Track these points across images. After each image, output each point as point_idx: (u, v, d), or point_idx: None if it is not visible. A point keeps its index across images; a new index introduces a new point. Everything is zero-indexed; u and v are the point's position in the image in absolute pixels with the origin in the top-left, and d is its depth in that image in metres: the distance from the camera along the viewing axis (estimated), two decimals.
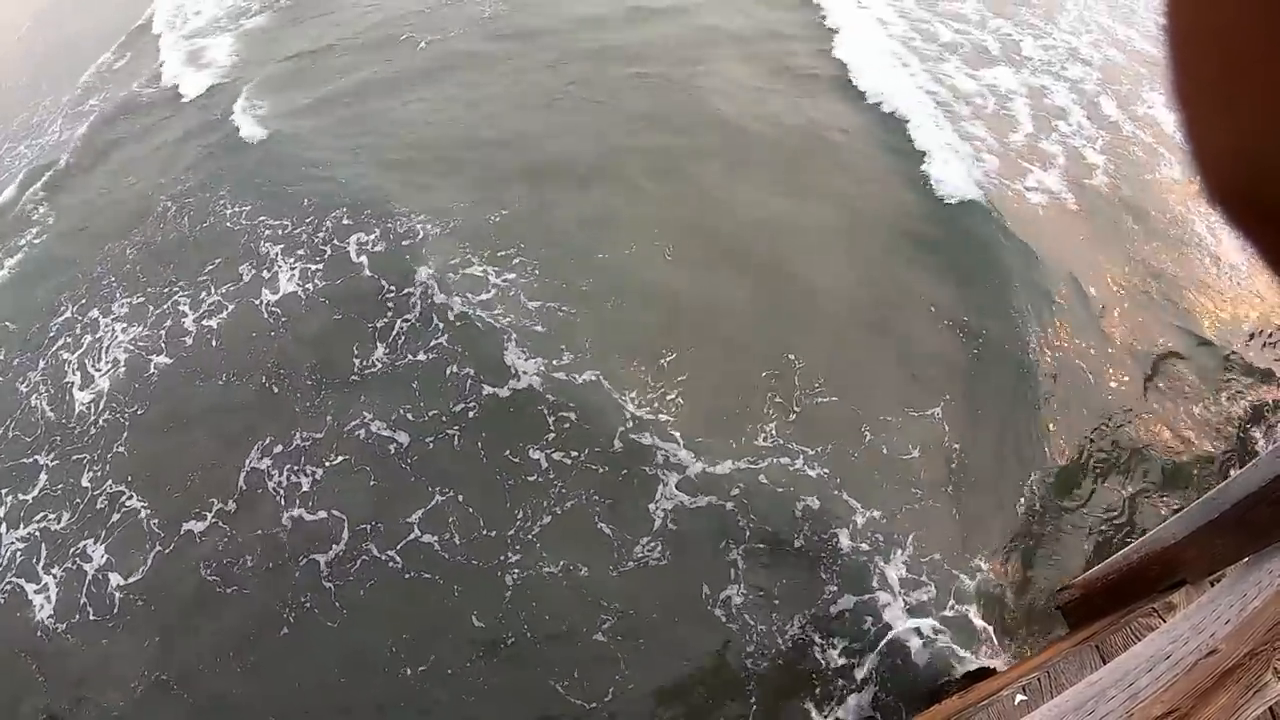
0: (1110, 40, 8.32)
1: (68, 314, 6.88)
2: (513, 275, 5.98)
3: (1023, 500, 4.56)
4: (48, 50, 12.95)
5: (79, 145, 9.40)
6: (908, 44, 8.19)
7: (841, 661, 3.99)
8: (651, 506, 4.56)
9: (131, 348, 6.27)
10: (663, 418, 4.95)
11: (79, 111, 10.40)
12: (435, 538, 4.63)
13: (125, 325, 6.50)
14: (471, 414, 5.15)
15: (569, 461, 4.80)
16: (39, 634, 4.82)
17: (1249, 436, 4.81)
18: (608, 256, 6.07)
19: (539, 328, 5.57)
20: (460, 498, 4.77)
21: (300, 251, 6.57)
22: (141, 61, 11.09)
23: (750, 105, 7.44)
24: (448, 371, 5.41)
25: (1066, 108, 7.31)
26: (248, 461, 5.24)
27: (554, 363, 5.27)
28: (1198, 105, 0.30)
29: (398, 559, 4.59)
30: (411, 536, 4.65)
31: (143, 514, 5.17)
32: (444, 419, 5.17)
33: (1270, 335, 5.35)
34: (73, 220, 8.21)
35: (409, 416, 5.21)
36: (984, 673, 3.81)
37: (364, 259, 6.32)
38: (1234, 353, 5.24)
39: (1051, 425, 4.90)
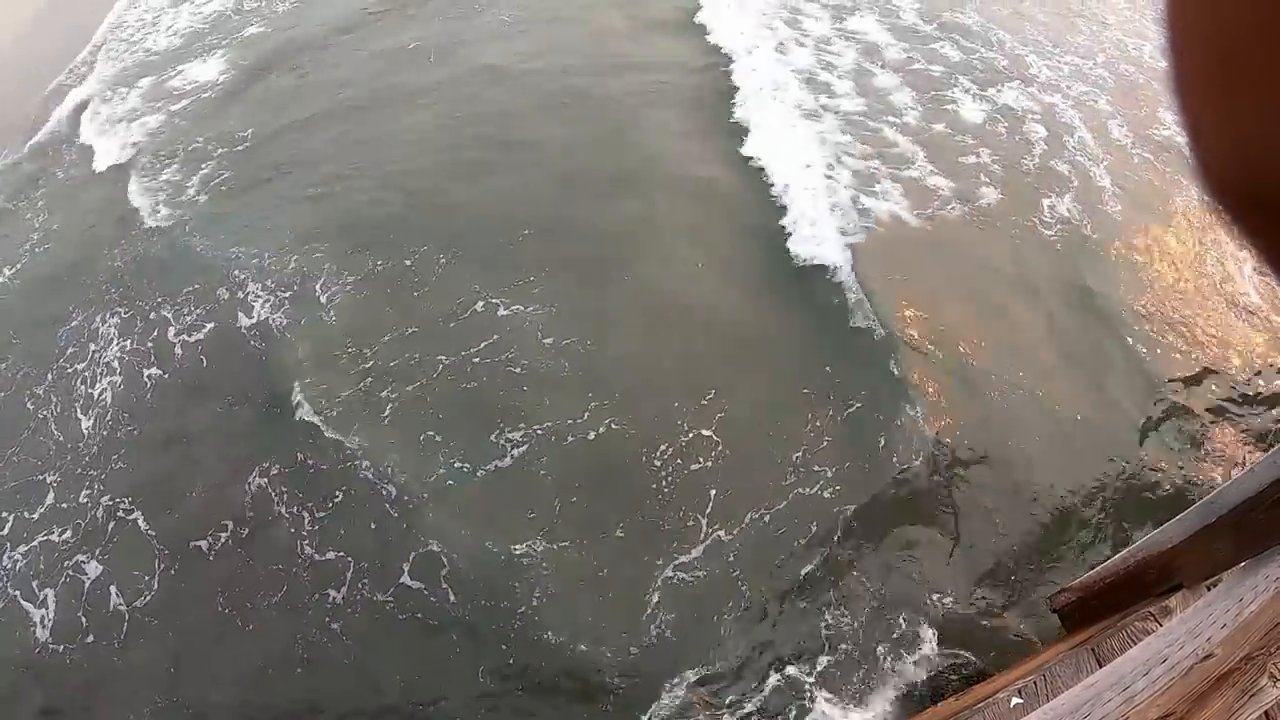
0: (1125, 56, 8.18)
1: (74, 323, 6.72)
2: (530, 307, 5.79)
3: (1019, 504, 4.56)
4: (50, 45, 12.89)
5: (65, 156, 9.31)
6: (903, 71, 7.99)
7: (839, 672, 3.99)
8: (660, 562, 4.45)
9: (129, 361, 6.17)
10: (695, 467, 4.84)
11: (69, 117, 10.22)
12: (447, 587, 4.51)
13: (121, 339, 6.37)
14: (480, 471, 4.96)
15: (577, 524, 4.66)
16: (40, 653, 4.76)
17: (1246, 442, 4.82)
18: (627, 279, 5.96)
19: (564, 370, 5.40)
20: (455, 556, 4.62)
21: (270, 283, 6.40)
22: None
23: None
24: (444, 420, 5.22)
25: (1072, 125, 7.20)
26: (250, 482, 5.16)
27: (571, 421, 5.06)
28: (1197, 102, 0.30)
29: (402, 604, 4.49)
30: (419, 585, 4.54)
31: (148, 533, 5.11)
32: (449, 470, 4.97)
33: (1269, 346, 5.36)
34: (66, 232, 8.03)
35: (408, 462, 5.04)
36: (980, 675, 3.81)
37: (363, 295, 6.12)
38: (1230, 362, 5.25)
39: (1047, 434, 4.91)
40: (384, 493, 4.92)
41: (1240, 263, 5.77)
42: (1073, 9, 8.98)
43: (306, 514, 4.95)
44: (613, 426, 5.02)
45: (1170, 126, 7.01)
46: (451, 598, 4.47)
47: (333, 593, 4.59)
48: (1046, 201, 6.38)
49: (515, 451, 4.96)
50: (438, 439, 5.12)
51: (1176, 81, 0.30)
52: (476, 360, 5.47)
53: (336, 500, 4.97)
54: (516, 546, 4.55)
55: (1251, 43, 0.26)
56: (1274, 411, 4.96)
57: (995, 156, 6.83)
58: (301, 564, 4.76)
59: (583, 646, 4.18)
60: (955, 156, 6.85)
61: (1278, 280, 0.32)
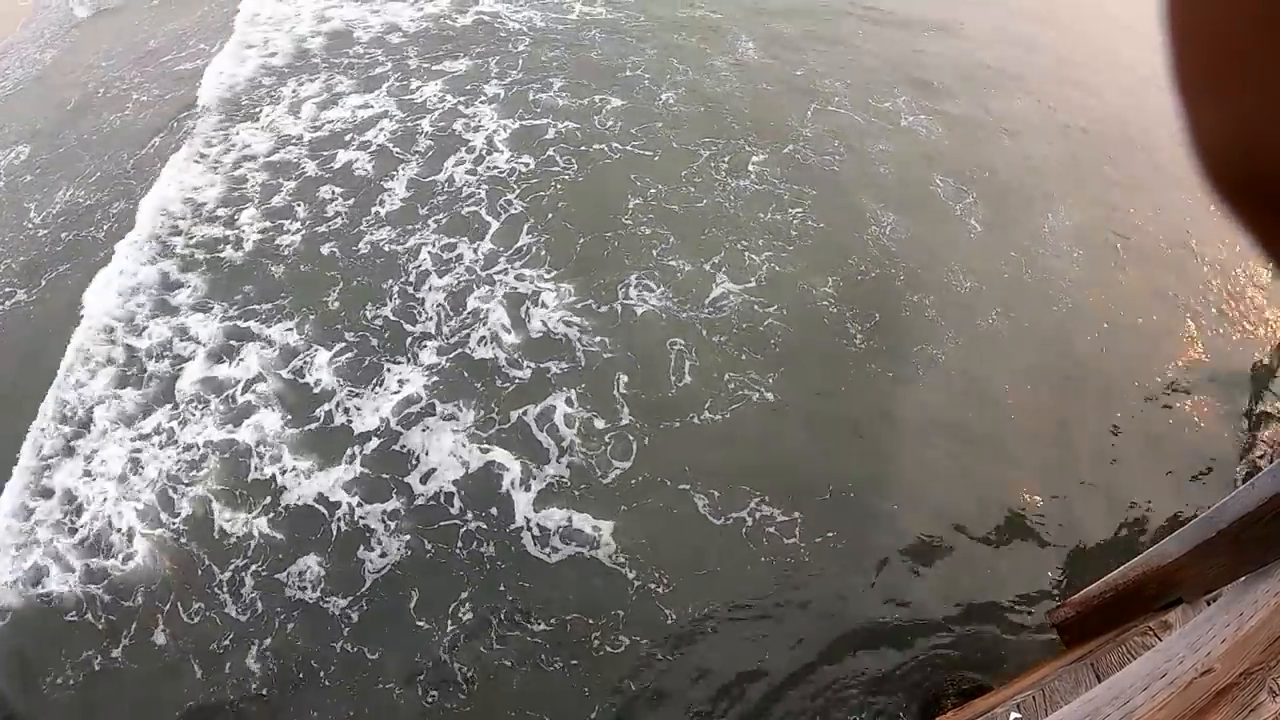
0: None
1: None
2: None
3: (1017, 517, 4.55)
4: None
5: None
6: None
7: (836, 690, 3.95)
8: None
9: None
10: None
11: None
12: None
13: None
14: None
15: None
16: None
17: (1247, 456, 4.81)
18: None
19: None
20: None
21: None
22: None
23: None
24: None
25: None
26: None
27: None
28: (1195, 92, 0.30)
29: None
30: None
31: None
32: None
33: (1269, 357, 5.37)
34: None
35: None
36: (978, 690, 3.78)
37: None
38: (1233, 373, 5.25)
39: (1050, 442, 4.91)
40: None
41: None
42: None
43: None
44: None
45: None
46: None
47: None
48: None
49: None
50: None
51: (1174, 71, 0.30)
52: None
53: None
54: None
55: (1250, 31, 0.26)
56: (1270, 422, 4.96)
57: None
58: None
59: None
60: None
61: (1277, 269, 0.32)
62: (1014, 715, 3.04)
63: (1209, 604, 2.56)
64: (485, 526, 4.63)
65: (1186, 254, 6.14)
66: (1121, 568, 3.08)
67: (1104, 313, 5.69)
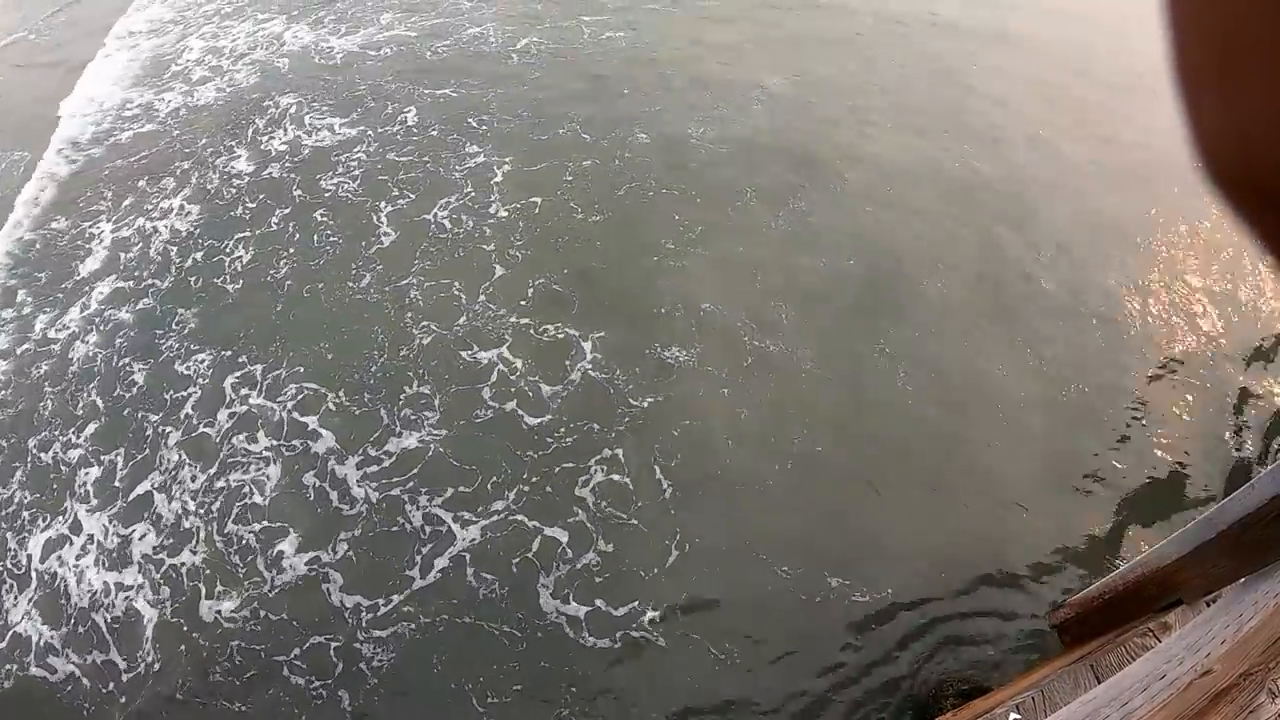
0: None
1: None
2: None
3: (1019, 517, 4.55)
4: None
5: None
6: None
7: (834, 691, 3.96)
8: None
9: None
10: None
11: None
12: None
13: None
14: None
15: None
16: None
17: (1247, 457, 4.80)
18: None
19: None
20: None
21: None
22: None
23: None
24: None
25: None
26: None
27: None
28: (1198, 88, 0.29)
29: None
30: None
31: None
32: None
33: (1271, 358, 5.36)
34: None
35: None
36: (977, 691, 3.78)
37: None
38: (1234, 374, 5.24)
39: (1050, 444, 4.90)
40: None
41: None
42: None
43: None
44: None
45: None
46: None
47: None
48: None
49: None
50: None
51: (1177, 67, 0.30)
52: None
53: None
54: None
55: (1254, 27, 0.25)
56: (1271, 423, 4.96)
57: None
58: None
59: None
60: None
61: (1273, 262, 0.31)
62: (1013, 716, 3.04)
63: (1208, 605, 2.56)
64: (514, 603, 4.40)
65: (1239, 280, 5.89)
66: (1121, 569, 3.08)
67: (1131, 332, 5.59)
